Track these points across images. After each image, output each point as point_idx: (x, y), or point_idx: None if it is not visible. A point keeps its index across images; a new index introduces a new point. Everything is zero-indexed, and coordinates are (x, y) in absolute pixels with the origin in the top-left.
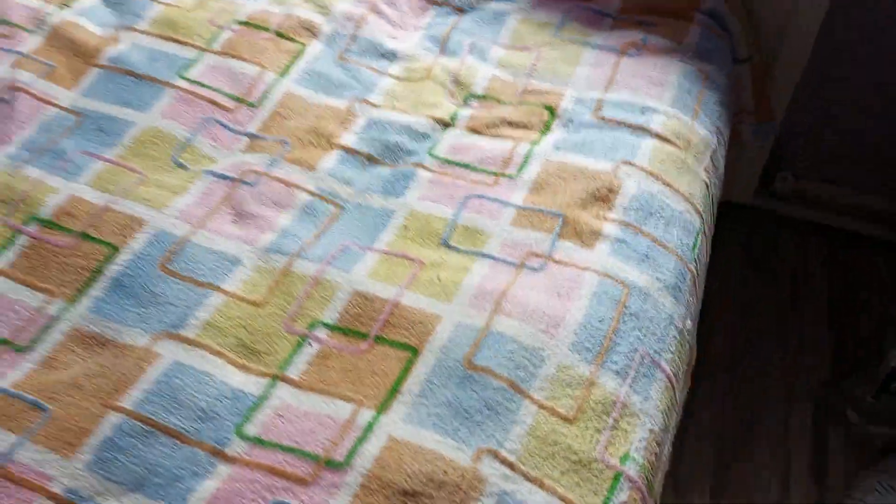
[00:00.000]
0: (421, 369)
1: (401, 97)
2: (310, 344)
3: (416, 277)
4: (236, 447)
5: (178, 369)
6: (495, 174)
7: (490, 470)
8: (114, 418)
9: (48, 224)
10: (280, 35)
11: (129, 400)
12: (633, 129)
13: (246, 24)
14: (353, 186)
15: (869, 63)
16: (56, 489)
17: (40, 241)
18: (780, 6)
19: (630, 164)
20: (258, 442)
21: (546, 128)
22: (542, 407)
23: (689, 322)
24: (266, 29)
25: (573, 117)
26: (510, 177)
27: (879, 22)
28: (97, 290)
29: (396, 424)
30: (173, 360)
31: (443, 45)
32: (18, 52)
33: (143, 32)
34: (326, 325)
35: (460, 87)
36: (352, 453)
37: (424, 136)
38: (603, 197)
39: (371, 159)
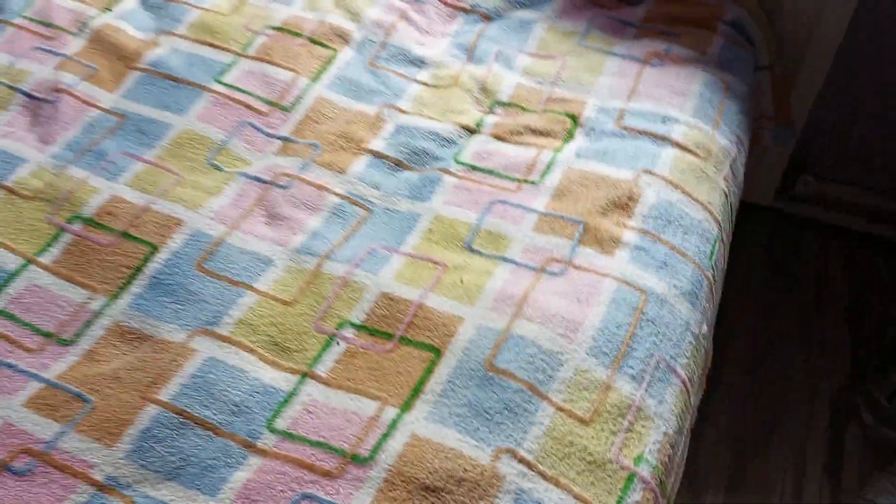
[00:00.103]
0: (443, 370)
1: (428, 104)
2: (338, 343)
3: (439, 280)
4: (267, 440)
5: (212, 365)
6: (518, 180)
7: (508, 468)
8: (152, 410)
9: (91, 223)
10: (313, 41)
11: (166, 393)
12: (655, 139)
13: (280, 29)
14: (381, 190)
15: (892, 67)
16: (97, 476)
17: (83, 239)
18: (803, 14)
19: (650, 172)
20: (287, 436)
21: (569, 136)
22: (559, 409)
23: (704, 327)
24: (299, 35)
25: (595, 126)
26: (533, 183)
27: None
28: (137, 288)
29: (419, 422)
30: (208, 356)
31: (470, 53)
32: (62, 55)
33: (181, 37)
34: (354, 325)
35: (486, 95)
36: (376, 449)
37: (451, 143)
38: (623, 205)
39: (399, 164)
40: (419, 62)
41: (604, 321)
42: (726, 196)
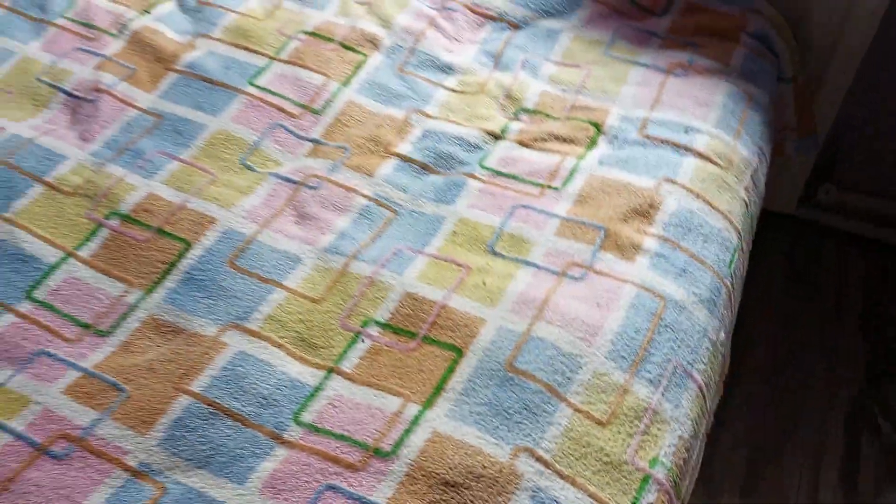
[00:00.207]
0: (465, 369)
1: (455, 109)
2: (363, 340)
3: (463, 282)
4: (293, 432)
5: (242, 358)
6: (541, 186)
7: (526, 466)
8: (184, 400)
9: (128, 219)
10: (344, 46)
11: (197, 384)
12: (677, 148)
13: (312, 34)
14: (407, 193)
15: None
16: (131, 462)
17: (120, 235)
18: (828, 25)
19: (672, 181)
20: (313, 429)
21: (592, 143)
22: (577, 410)
23: (722, 334)
24: (331, 40)
25: (619, 134)
26: (555, 189)
27: None
28: (171, 282)
29: (440, 419)
30: (238, 350)
31: (497, 60)
32: (102, 55)
33: (217, 40)
34: (379, 324)
35: (512, 102)
36: (398, 444)
37: (476, 148)
38: (644, 212)
39: (425, 168)
40: (447, 68)
41: (622, 326)
42: (747, 206)
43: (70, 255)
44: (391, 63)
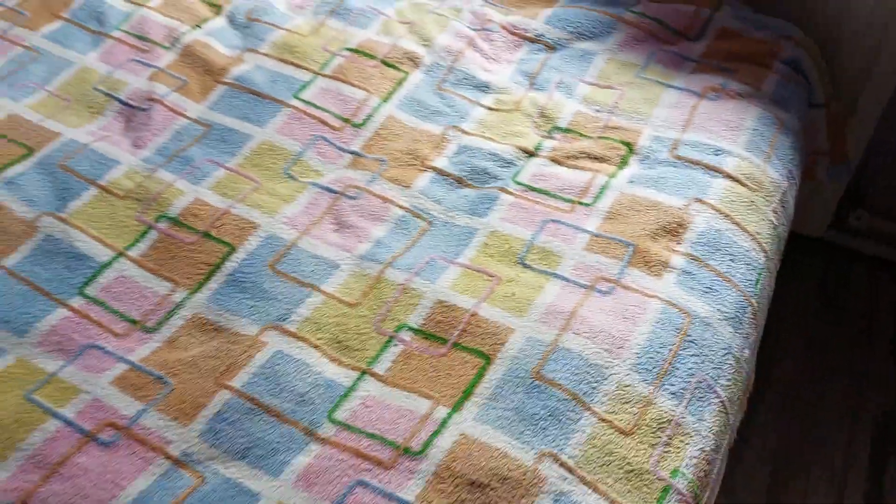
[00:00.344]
0: (493, 376)
1: (491, 126)
2: (395, 344)
3: (493, 292)
4: (327, 430)
5: (280, 358)
6: (572, 202)
7: (550, 471)
8: (225, 395)
9: (176, 222)
10: (385, 63)
11: (238, 381)
12: (707, 169)
13: (355, 51)
14: (442, 205)
15: None
16: (173, 452)
17: (169, 237)
18: (862, 51)
19: (701, 201)
20: (346, 427)
21: (623, 162)
22: (601, 419)
23: (747, 352)
24: (373, 57)
25: (650, 154)
26: (586, 205)
27: None
28: (215, 283)
29: (468, 423)
30: (277, 350)
31: (532, 80)
32: (155, 67)
33: (264, 55)
34: (411, 329)
35: (546, 120)
36: (427, 444)
37: (510, 164)
38: (673, 230)
39: (460, 181)
40: (484, 87)
41: (648, 339)
42: (775, 227)
43: (121, 254)
44: (430, 81)
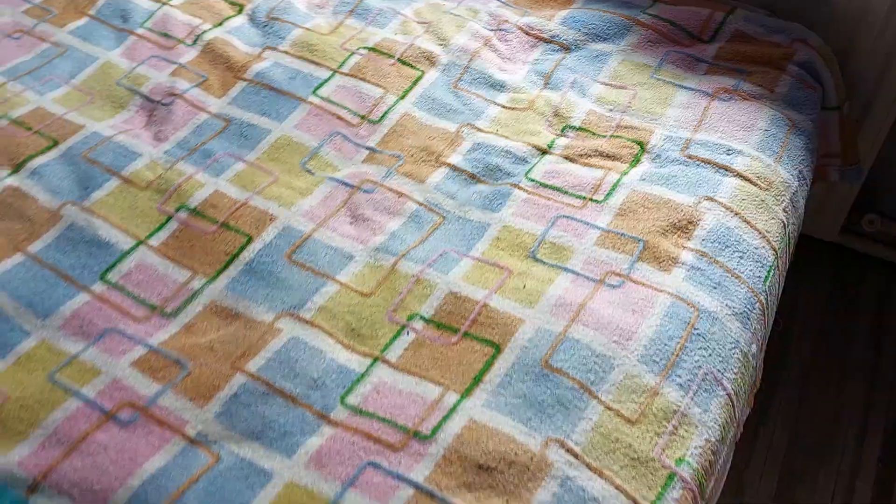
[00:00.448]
0: (502, 364)
1: (505, 124)
2: (407, 333)
3: (504, 284)
4: (339, 413)
5: (295, 344)
6: (584, 198)
7: (556, 456)
8: (240, 379)
9: (195, 213)
10: (402, 62)
11: (253, 365)
12: (718, 168)
13: (373, 50)
14: (455, 200)
15: None
16: (189, 432)
17: (188, 227)
18: (875, 56)
19: (711, 199)
20: (358, 411)
21: (635, 160)
22: (608, 408)
23: (754, 347)
24: (390, 56)
25: (661, 153)
26: (597, 202)
27: None
28: (233, 272)
29: (477, 409)
30: (292, 336)
31: (547, 80)
32: (177, 63)
33: (284, 52)
34: (423, 318)
35: (559, 119)
36: (437, 429)
37: (523, 161)
38: (682, 227)
39: (473, 178)
40: (499, 86)
41: (656, 332)
42: (784, 226)
43: (141, 242)
44: (446, 79)
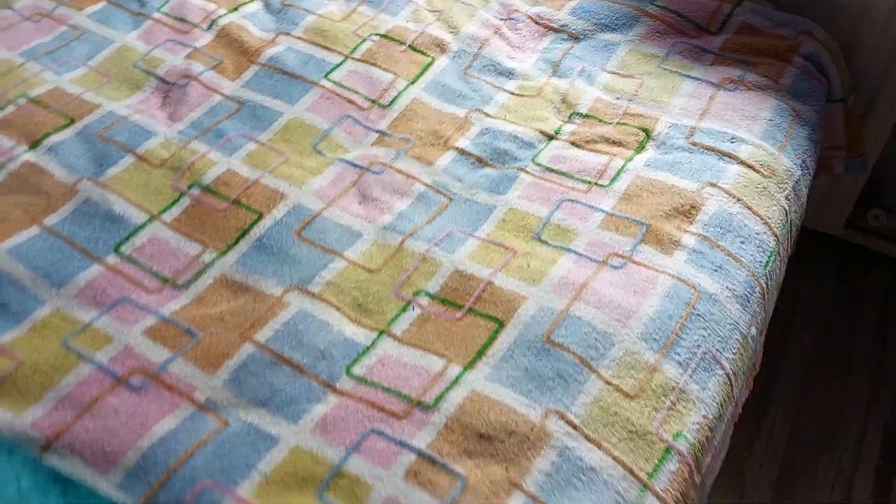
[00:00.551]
0: (505, 339)
1: (513, 110)
2: (413, 308)
3: (508, 263)
4: (345, 383)
5: (303, 316)
6: (589, 183)
7: (556, 427)
8: (249, 348)
9: (208, 190)
10: (413, 48)
11: (262, 335)
12: (721, 155)
13: (384, 37)
14: (463, 183)
15: None
16: (199, 398)
17: (200, 204)
18: (879, 51)
19: (714, 185)
20: (363, 381)
21: (640, 147)
22: (607, 383)
23: (754, 329)
24: (402, 43)
25: (666, 140)
26: (602, 186)
27: None
28: (243, 247)
29: (479, 381)
30: (299, 309)
31: (555, 68)
32: (193, 47)
33: (297, 38)
34: (429, 295)
35: (567, 106)
36: (439, 399)
37: (530, 146)
38: (685, 212)
39: (481, 161)
40: (508, 73)
41: (657, 311)
42: (786, 213)
43: (155, 217)
44: (456, 66)
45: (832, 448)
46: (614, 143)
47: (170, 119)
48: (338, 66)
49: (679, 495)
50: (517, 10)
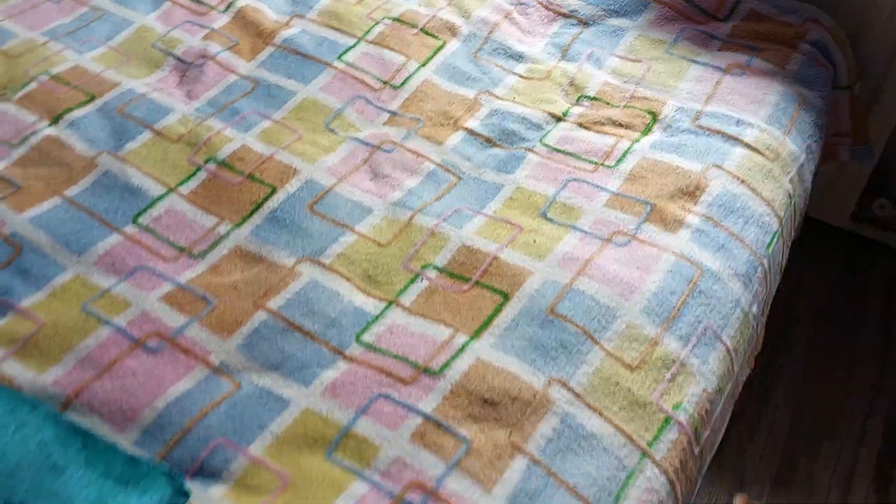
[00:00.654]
0: (510, 311)
1: (522, 92)
2: (421, 280)
3: (515, 239)
4: (354, 350)
5: (314, 286)
6: (595, 163)
7: (558, 395)
8: (262, 315)
9: (223, 164)
10: (425, 32)
11: (274, 303)
12: (727, 138)
13: (397, 20)
14: (471, 162)
15: None
16: (213, 361)
17: (216, 178)
18: (886, 40)
19: (719, 167)
20: (371, 348)
21: (647, 130)
22: (609, 354)
23: (755, 308)
24: (414, 26)
25: (672, 123)
26: (608, 167)
27: None
28: (257, 219)
29: (484, 349)
30: (311, 279)
31: (564, 52)
32: (210, 28)
33: (311, 20)
34: (436, 268)
35: (575, 89)
36: (445, 366)
37: (538, 127)
38: (690, 192)
39: (490, 141)
40: (518, 57)
41: (659, 287)
42: (790, 196)
43: (172, 190)
44: (467, 49)
45: (834, 437)
46: (621, 125)
47: (187, 97)
48: (351, 48)
49: (678, 464)
50: None
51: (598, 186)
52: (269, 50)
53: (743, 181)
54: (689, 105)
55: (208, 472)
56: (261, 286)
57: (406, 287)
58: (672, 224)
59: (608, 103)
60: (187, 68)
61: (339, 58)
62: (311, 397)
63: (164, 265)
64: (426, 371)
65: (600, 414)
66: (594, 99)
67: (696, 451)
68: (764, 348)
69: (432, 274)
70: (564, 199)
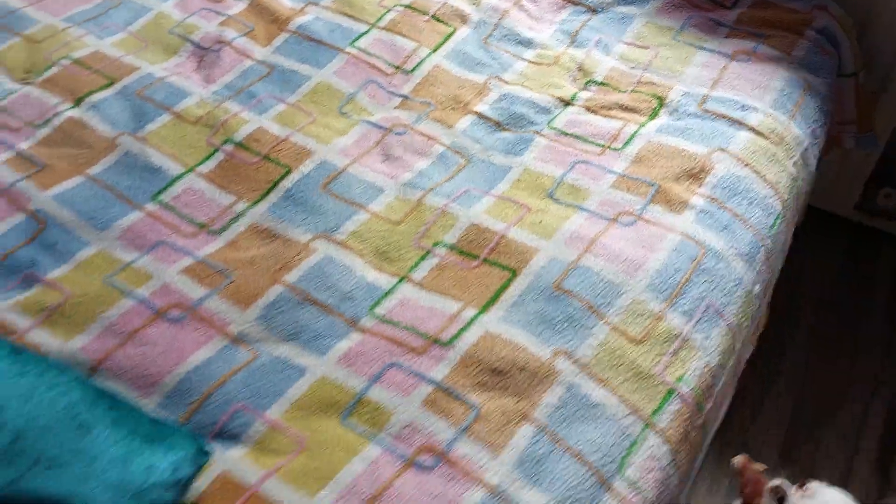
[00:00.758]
0: (517, 286)
1: (530, 77)
2: (432, 257)
3: (522, 218)
4: (367, 322)
5: (328, 262)
6: (602, 146)
7: (564, 366)
8: (278, 289)
9: (240, 145)
10: (436, 19)
11: (290, 278)
12: (732, 122)
13: (409, 7)
14: (481, 145)
15: None
16: (232, 331)
17: (233, 158)
18: (893, 31)
19: (724, 150)
20: (384, 320)
21: (654, 114)
22: (614, 328)
23: (758, 287)
24: (425, 13)
25: (679, 107)
26: (615, 150)
27: None
28: (273, 198)
29: (493, 322)
30: (325, 255)
31: (573, 38)
32: (226, 14)
33: (325, 8)
34: (447, 245)
35: (583, 74)
36: (455, 337)
37: (546, 111)
38: (695, 175)
39: (498, 125)
40: (527, 43)
41: (664, 265)
42: (794, 179)
43: (191, 170)
44: (477, 36)
45: (836, 421)
46: (628, 109)
47: (204, 81)
48: (363, 34)
49: (681, 434)
50: None
51: (604, 168)
52: (283, 36)
53: (747, 164)
54: (695, 90)
55: (228, 435)
56: (277, 261)
57: (417, 263)
58: (677, 205)
59: (616, 88)
60: (205, 53)
61: (352, 44)
62: (326, 366)
63: (183, 240)
64: (436, 342)
65: (605, 384)
66: (602, 84)
67: (699, 422)
68: (767, 335)
69: (442, 251)
70: (571, 180)
